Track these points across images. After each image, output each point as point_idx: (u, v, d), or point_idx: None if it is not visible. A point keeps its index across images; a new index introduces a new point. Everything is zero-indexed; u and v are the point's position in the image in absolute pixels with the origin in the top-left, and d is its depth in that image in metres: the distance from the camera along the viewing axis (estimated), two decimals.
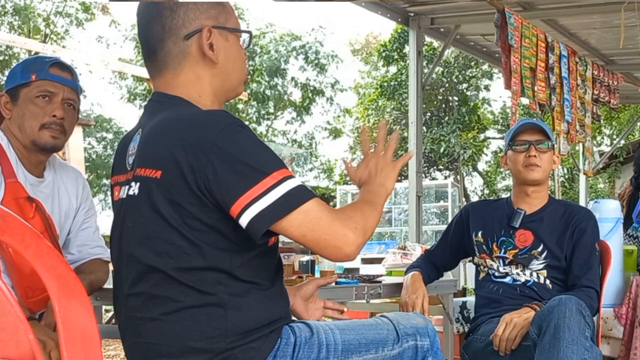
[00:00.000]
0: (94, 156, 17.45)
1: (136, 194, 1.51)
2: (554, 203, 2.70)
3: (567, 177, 18.02)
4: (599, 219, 2.79)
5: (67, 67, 2.08)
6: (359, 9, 5.61)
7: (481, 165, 19.35)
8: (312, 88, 18.61)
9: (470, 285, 8.31)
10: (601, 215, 3.37)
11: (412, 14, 5.96)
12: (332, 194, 18.58)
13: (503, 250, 2.62)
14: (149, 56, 1.61)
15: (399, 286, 2.60)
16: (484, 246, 2.66)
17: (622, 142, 12.98)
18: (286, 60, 17.83)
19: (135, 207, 1.51)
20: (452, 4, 5.70)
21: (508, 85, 4.78)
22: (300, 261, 2.89)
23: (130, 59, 17.58)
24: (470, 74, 16.34)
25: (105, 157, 18.13)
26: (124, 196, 1.56)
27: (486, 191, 19.29)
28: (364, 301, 2.56)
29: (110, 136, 18.63)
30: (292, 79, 18.44)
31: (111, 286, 2.25)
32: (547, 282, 2.56)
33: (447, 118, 16.24)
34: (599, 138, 17.80)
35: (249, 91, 16.32)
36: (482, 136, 17.37)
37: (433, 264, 2.75)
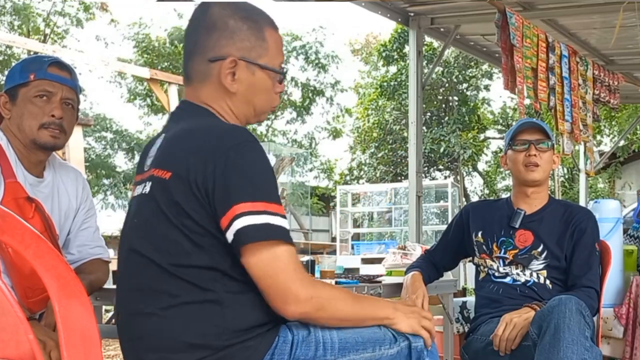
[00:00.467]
0: (93, 156, 17.42)
1: (147, 192, 1.56)
2: (554, 203, 2.70)
3: (567, 177, 18.01)
4: (599, 219, 2.79)
5: (66, 67, 2.08)
6: (359, 9, 5.61)
7: (481, 165, 19.34)
8: (312, 88, 18.61)
9: (470, 285, 8.31)
10: (601, 215, 3.38)
11: (412, 14, 5.95)
12: (332, 193, 18.58)
13: (503, 251, 2.62)
14: (184, 62, 1.68)
15: (399, 286, 2.60)
16: (484, 246, 2.66)
17: (622, 142, 13.00)
18: (286, 60, 17.83)
19: (144, 205, 1.57)
20: (452, 4, 5.70)
21: (507, 86, 4.78)
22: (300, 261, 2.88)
23: (130, 59, 17.57)
24: (470, 74, 16.33)
25: (104, 157, 18.11)
26: (137, 194, 1.62)
27: (486, 191, 19.28)
28: None
29: (109, 136, 18.60)
30: (292, 79, 18.44)
31: (111, 286, 2.26)
32: (547, 282, 2.56)
33: (447, 118, 16.23)
34: (599, 138, 17.79)
35: None
36: (482, 136, 17.35)
37: (433, 264, 2.75)
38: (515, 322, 2.32)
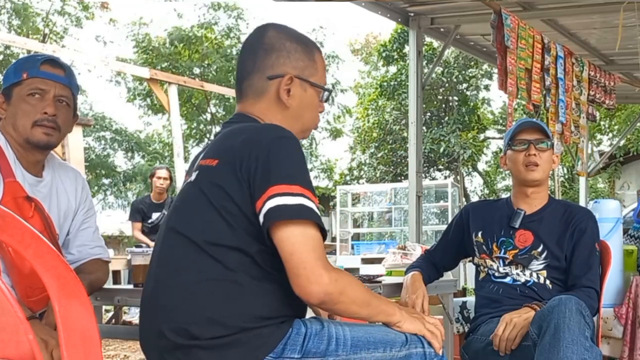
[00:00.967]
0: (93, 156, 17.42)
1: (192, 180, 1.69)
2: (553, 203, 2.70)
3: (567, 177, 18.01)
4: (599, 219, 2.79)
5: (60, 64, 2.07)
6: (359, 9, 5.61)
7: (481, 165, 19.34)
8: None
9: (470, 285, 8.31)
10: (601, 215, 3.38)
11: (412, 14, 5.96)
12: (332, 193, 18.57)
13: (503, 251, 2.61)
14: (237, 82, 1.82)
15: (399, 286, 2.60)
16: (483, 246, 2.66)
17: (622, 142, 12.98)
18: None
19: (187, 190, 1.69)
20: (452, 4, 5.70)
21: (502, 86, 4.80)
22: None
23: (130, 58, 17.57)
24: (470, 74, 16.32)
25: (104, 157, 18.11)
26: (184, 184, 1.75)
27: (486, 191, 19.28)
28: None
29: (109, 136, 18.60)
30: None
31: (111, 286, 2.26)
32: (547, 282, 2.55)
33: (447, 118, 16.23)
34: (599, 138, 17.79)
35: None
36: (482, 136, 17.35)
37: (433, 264, 2.75)
38: (515, 322, 2.32)
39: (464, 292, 6.60)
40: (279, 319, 1.58)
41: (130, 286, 2.48)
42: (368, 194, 15.87)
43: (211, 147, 1.72)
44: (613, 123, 15.97)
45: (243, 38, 17.82)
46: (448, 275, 3.09)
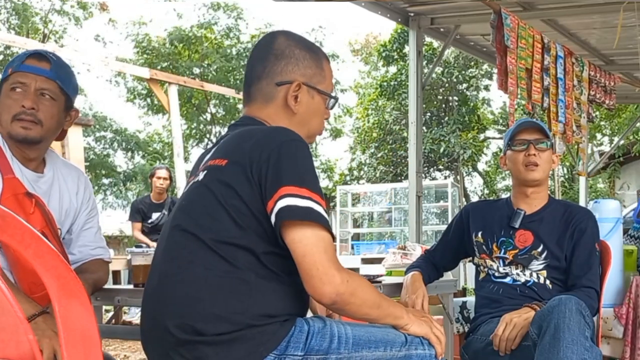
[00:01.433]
0: (93, 156, 17.42)
1: (199, 179, 1.69)
2: (553, 203, 2.70)
3: (567, 177, 18.01)
4: (599, 219, 2.79)
5: (46, 57, 2.03)
6: (359, 9, 5.61)
7: (481, 165, 19.33)
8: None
9: (470, 285, 8.31)
10: (601, 215, 3.38)
11: (412, 14, 5.95)
12: (332, 194, 18.57)
13: (503, 251, 2.61)
14: (246, 86, 1.85)
15: (399, 286, 2.60)
16: (483, 246, 2.66)
17: (622, 142, 12.98)
18: None
19: (195, 189, 1.70)
20: (452, 4, 5.70)
21: (501, 86, 4.79)
22: None
23: (130, 58, 17.57)
24: (470, 74, 16.32)
25: (104, 157, 18.11)
26: (189, 184, 1.76)
27: (486, 191, 19.28)
28: None
29: (109, 135, 18.60)
30: None
31: (111, 286, 2.26)
32: (547, 282, 2.55)
33: (447, 118, 16.23)
34: (599, 138, 17.80)
35: None
36: (482, 136, 17.35)
37: (433, 264, 2.75)
38: (515, 322, 2.32)
39: (464, 292, 6.60)
40: (282, 317, 1.59)
41: (130, 286, 2.48)
42: (368, 194, 15.87)
43: (220, 148, 1.72)
44: (614, 124, 15.97)
45: (243, 38, 17.86)
46: (448, 275, 3.09)
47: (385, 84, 16.40)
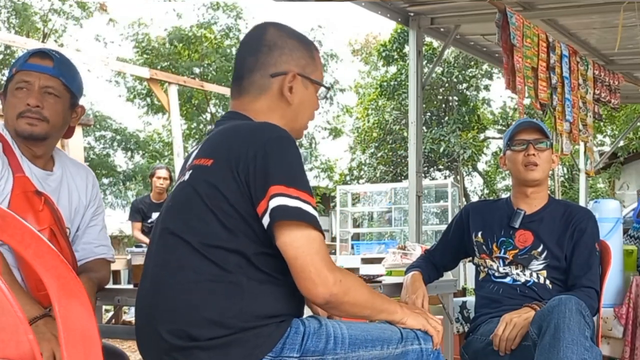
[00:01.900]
0: (93, 155, 17.43)
1: (186, 179, 1.67)
2: (553, 203, 2.70)
3: (567, 177, 18.01)
4: (599, 219, 2.79)
5: (49, 56, 2.06)
6: (359, 9, 5.61)
7: (481, 165, 19.33)
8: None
9: (470, 285, 8.30)
10: (601, 215, 3.38)
11: (412, 14, 5.95)
12: (332, 193, 18.56)
13: (503, 251, 2.61)
14: (236, 79, 1.81)
15: (399, 286, 2.60)
16: (483, 246, 2.66)
17: (622, 142, 12.98)
18: None
19: (181, 190, 1.68)
20: (452, 4, 5.69)
21: (509, 85, 4.77)
22: None
23: (130, 58, 17.57)
24: (470, 74, 16.32)
25: (104, 157, 18.11)
26: (177, 184, 1.75)
27: (486, 191, 19.28)
28: None
29: (109, 135, 18.61)
30: None
31: (111, 286, 2.26)
32: (547, 282, 2.55)
33: (447, 118, 16.23)
34: (600, 138, 17.78)
35: None
36: (482, 136, 17.35)
37: (433, 264, 2.75)
38: (515, 322, 2.32)
39: (464, 292, 6.60)
40: (278, 318, 1.58)
41: (130, 286, 2.48)
42: (368, 194, 15.87)
43: (205, 146, 1.70)
44: (615, 124, 15.96)
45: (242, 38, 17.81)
46: (448, 275, 3.09)
47: (385, 84, 16.40)
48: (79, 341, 1.28)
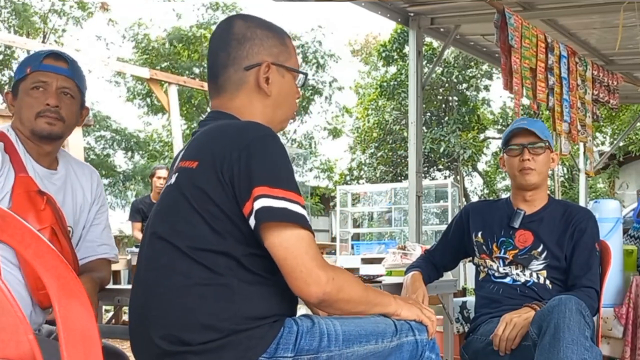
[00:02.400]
0: (92, 156, 17.42)
1: (172, 183, 1.66)
2: (553, 203, 2.70)
3: (567, 177, 18.01)
4: (599, 219, 2.79)
5: (63, 57, 2.11)
6: (359, 9, 5.61)
7: (481, 165, 19.33)
8: (310, 87, 18.61)
9: (470, 285, 8.30)
10: (601, 215, 3.38)
11: (412, 14, 5.95)
12: (332, 194, 18.56)
13: (503, 251, 2.61)
14: (211, 78, 1.78)
15: (399, 286, 2.60)
16: (483, 247, 2.66)
17: (622, 142, 12.97)
18: None
19: (168, 193, 1.66)
20: (452, 4, 5.69)
21: (507, 86, 4.78)
22: None
23: (130, 58, 17.57)
24: (470, 74, 16.32)
25: (104, 157, 18.10)
26: (165, 187, 1.72)
27: (486, 191, 19.27)
28: None
29: (109, 135, 18.60)
30: None
31: (111, 286, 2.26)
32: (547, 282, 2.55)
33: (447, 118, 16.23)
34: (600, 138, 17.78)
35: None
36: (482, 136, 17.36)
37: (433, 264, 2.75)
38: (515, 322, 2.32)
39: (464, 292, 6.60)
40: (270, 318, 1.56)
41: (130, 286, 2.48)
42: (368, 194, 15.87)
43: (190, 148, 1.67)
44: (615, 126, 15.96)
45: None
46: (448, 275, 3.08)
47: (385, 84, 16.40)
48: (79, 341, 1.28)
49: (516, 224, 2.61)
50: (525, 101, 5.03)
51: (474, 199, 18.42)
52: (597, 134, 17.04)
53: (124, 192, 18.82)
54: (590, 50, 6.71)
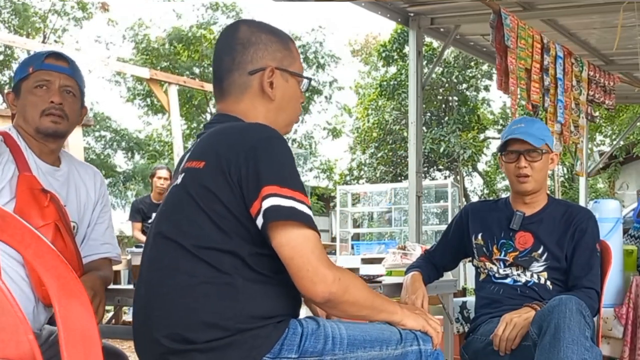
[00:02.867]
0: (92, 156, 17.43)
1: (178, 183, 1.66)
2: (553, 203, 2.69)
3: (567, 177, 18.02)
4: (599, 219, 2.78)
5: (63, 57, 2.15)
6: (359, 9, 5.60)
7: (481, 166, 19.34)
8: (310, 87, 18.62)
9: (470, 285, 8.30)
10: (601, 215, 3.38)
11: (412, 14, 5.95)
12: (332, 194, 18.56)
13: (503, 253, 2.61)
14: (216, 82, 1.79)
15: (399, 286, 2.60)
16: (483, 249, 2.66)
17: (622, 142, 12.97)
18: None
19: (174, 194, 1.67)
20: (452, 4, 5.69)
21: (500, 86, 4.79)
22: None
23: (130, 58, 17.57)
24: (470, 74, 16.33)
25: (104, 157, 18.11)
26: (170, 187, 1.73)
27: (486, 191, 19.28)
28: None
29: (109, 135, 18.60)
30: None
31: (111, 286, 2.26)
32: (548, 283, 2.55)
33: (447, 118, 16.23)
34: (599, 138, 17.80)
35: None
36: (482, 136, 17.36)
37: (433, 264, 2.75)
38: (516, 322, 2.32)
39: (464, 292, 6.60)
40: (275, 318, 1.57)
41: (130, 286, 2.48)
42: (368, 194, 15.87)
43: (197, 149, 1.68)
44: (615, 126, 15.97)
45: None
46: (448, 275, 3.09)
47: (385, 84, 16.40)
48: (79, 341, 1.28)
49: (516, 227, 2.60)
50: (522, 102, 5.04)
51: (474, 199, 18.42)
52: (597, 134, 17.05)
53: (124, 192, 18.83)
54: (590, 50, 6.71)
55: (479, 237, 2.67)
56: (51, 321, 2.05)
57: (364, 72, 21.55)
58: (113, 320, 6.72)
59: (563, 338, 2.02)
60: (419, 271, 2.63)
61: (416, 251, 3.34)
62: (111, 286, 2.26)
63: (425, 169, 16.06)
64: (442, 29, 6.21)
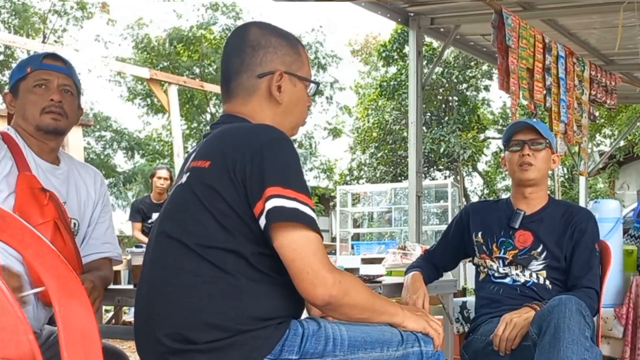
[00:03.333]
0: (92, 156, 17.43)
1: (183, 182, 1.66)
2: (553, 203, 2.70)
3: (567, 177, 18.02)
4: (599, 219, 2.79)
5: (60, 58, 2.19)
6: (359, 9, 5.60)
7: (481, 165, 19.34)
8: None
9: (470, 285, 8.31)
10: (601, 215, 3.38)
11: (412, 14, 5.95)
12: (332, 194, 18.56)
13: (503, 251, 2.62)
14: (224, 82, 1.79)
15: (399, 286, 2.60)
16: (483, 247, 2.66)
17: (622, 142, 12.96)
18: None
19: (178, 193, 1.67)
20: (452, 4, 5.69)
21: (502, 86, 4.79)
22: None
23: (130, 58, 17.57)
24: (470, 74, 16.32)
25: (104, 157, 18.11)
26: (174, 187, 1.73)
27: (486, 191, 19.28)
28: None
29: (109, 135, 18.60)
30: None
31: (111, 286, 2.26)
32: (547, 282, 2.56)
33: (447, 118, 16.23)
34: (599, 138, 17.79)
35: None
36: (482, 136, 17.36)
37: (433, 264, 2.75)
38: (515, 322, 2.32)
39: (464, 292, 6.60)
40: (276, 320, 1.56)
41: (130, 286, 2.48)
42: (368, 194, 15.87)
43: (202, 149, 1.68)
44: (615, 125, 15.96)
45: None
46: (448, 275, 3.09)
47: (385, 84, 16.40)
48: (79, 341, 1.28)
49: (516, 224, 2.61)
50: (523, 102, 5.03)
51: (474, 199, 18.42)
52: (597, 135, 17.05)
53: (124, 193, 18.84)
54: (590, 50, 6.71)
55: (479, 235, 2.68)
56: (51, 321, 2.05)
57: (364, 72, 21.55)
58: (113, 320, 6.72)
59: (563, 338, 2.02)
60: (419, 271, 2.63)
61: (416, 251, 3.34)
62: (111, 286, 2.26)
63: (425, 169, 16.06)
64: (442, 29, 6.21)
